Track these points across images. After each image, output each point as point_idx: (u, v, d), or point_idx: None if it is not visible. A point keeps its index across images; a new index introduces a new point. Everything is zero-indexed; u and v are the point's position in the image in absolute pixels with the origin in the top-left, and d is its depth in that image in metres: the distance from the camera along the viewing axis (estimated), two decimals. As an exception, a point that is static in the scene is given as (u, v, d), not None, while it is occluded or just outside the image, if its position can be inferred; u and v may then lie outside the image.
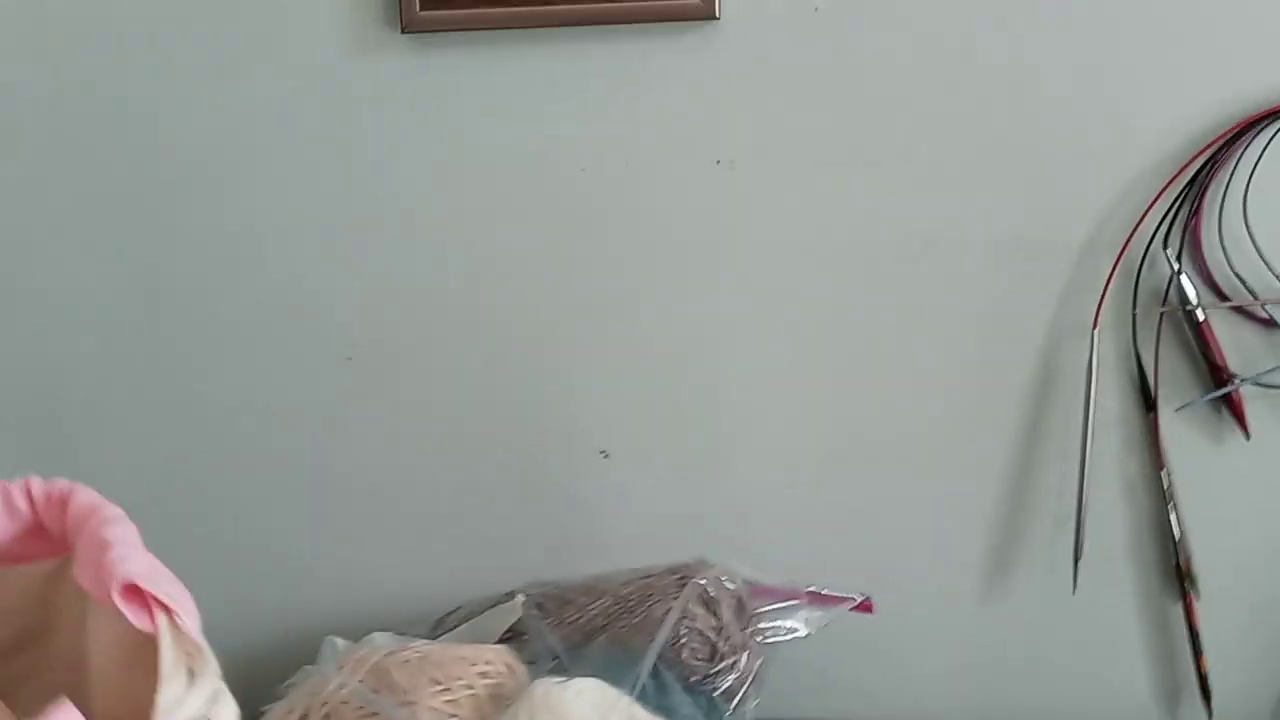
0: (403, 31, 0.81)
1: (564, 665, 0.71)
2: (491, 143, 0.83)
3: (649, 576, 0.76)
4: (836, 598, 0.79)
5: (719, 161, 0.83)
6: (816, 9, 0.79)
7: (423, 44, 0.82)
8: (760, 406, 0.86)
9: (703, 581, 0.73)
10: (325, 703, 0.63)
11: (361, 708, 0.62)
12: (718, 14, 0.80)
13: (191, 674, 0.42)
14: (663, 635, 0.71)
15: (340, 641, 0.74)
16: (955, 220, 0.82)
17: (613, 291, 0.85)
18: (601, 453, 0.88)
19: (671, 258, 0.84)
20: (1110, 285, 0.82)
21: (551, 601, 0.76)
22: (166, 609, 0.42)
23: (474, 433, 0.87)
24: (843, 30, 0.79)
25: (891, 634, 0.89)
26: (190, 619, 0.42)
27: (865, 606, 0.81)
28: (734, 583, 0.75)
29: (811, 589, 0.79)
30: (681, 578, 0.74)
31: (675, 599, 0.73)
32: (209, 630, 0.42)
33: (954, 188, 0.82)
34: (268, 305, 0.87)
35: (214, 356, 0.88)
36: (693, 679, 0.73)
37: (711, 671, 0.73)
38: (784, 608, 0.78)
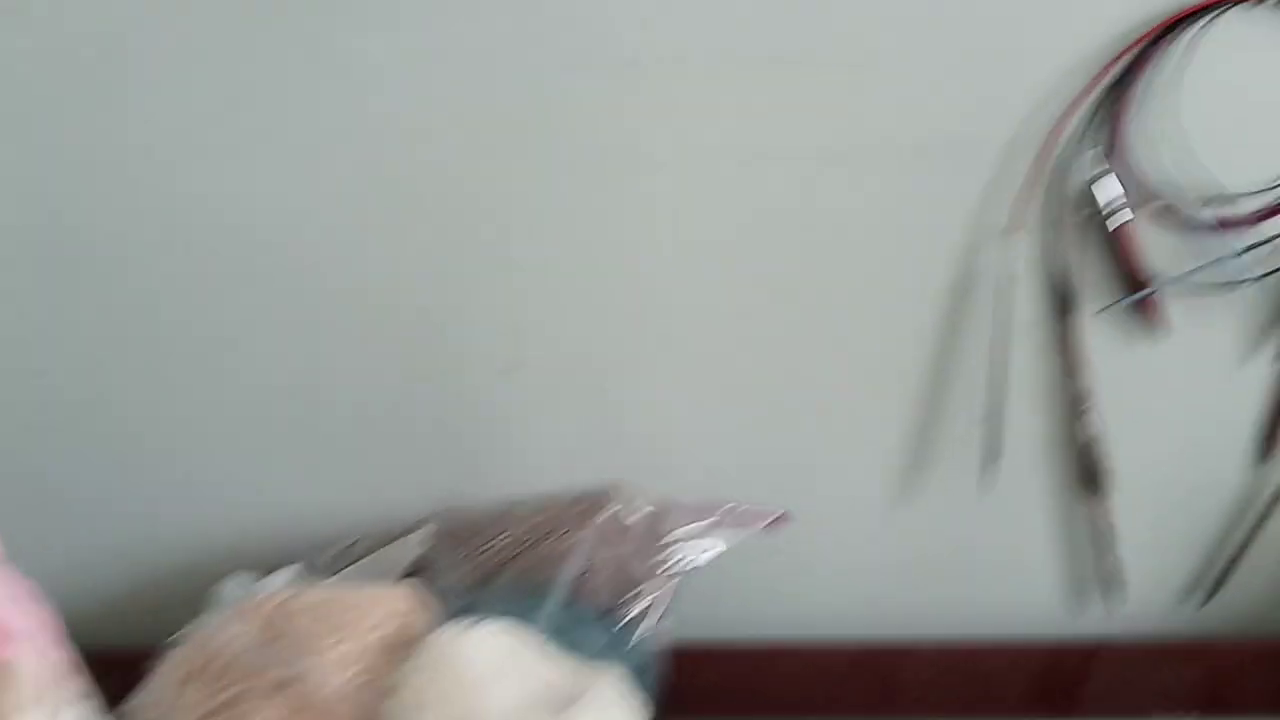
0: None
1: (472, 601, 0.69)
2: (373, 47, 0.77)
3: (558, 504, 0.74)
4: (752, 514, 0.78)
5: (625, 62, 0.77)
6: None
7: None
8: (673, 317, 0.84)
9: (613, 509, 0.71)
10: (217, 656, 0.61)
11: (256, 662, 0.60)
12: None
13: (49, 704, 0.39)
14: (572, 567, 0.69)
15: (236, 584, 0.72)
16: (877, 122, 0.79)
17: (517, 200, 0.81)
18: (509, 368, 0.85)
19: (579, 164, 0.80)
20: (1031, 188, 0.79)
21: (461, 531, 0.74)
22: (21, 638, 0.39)
23: (375, 350, 0.84)
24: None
25: (808, 539, 0.89)
26: (48, 644, 0.39)
27: (781, 519, 0.80)
28: (646, 506, 0.73)
29: (727, 506, 0.77)
30: (591, 505, 0.72)
31: (584, 529, 0.71)
32: (109, 568, 0.39)
33: (876, 89, 0.78)
34: (173, 223, 0.81)
35: (117, 277, 0.82)
36: (605, 608, 0.72)
37: (623, 599, 0.72)
38: (699, 527, 0.77)
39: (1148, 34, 0.76)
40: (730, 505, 0.78)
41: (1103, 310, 0.82)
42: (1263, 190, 0.80)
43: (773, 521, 0.80)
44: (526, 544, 0.73)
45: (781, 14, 0.76)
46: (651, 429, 0.86)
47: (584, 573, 0.72)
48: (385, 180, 0.81)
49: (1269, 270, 0.81)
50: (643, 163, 0.79)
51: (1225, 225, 0.80)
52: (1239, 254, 0.80)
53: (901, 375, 0.85)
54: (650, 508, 0.75)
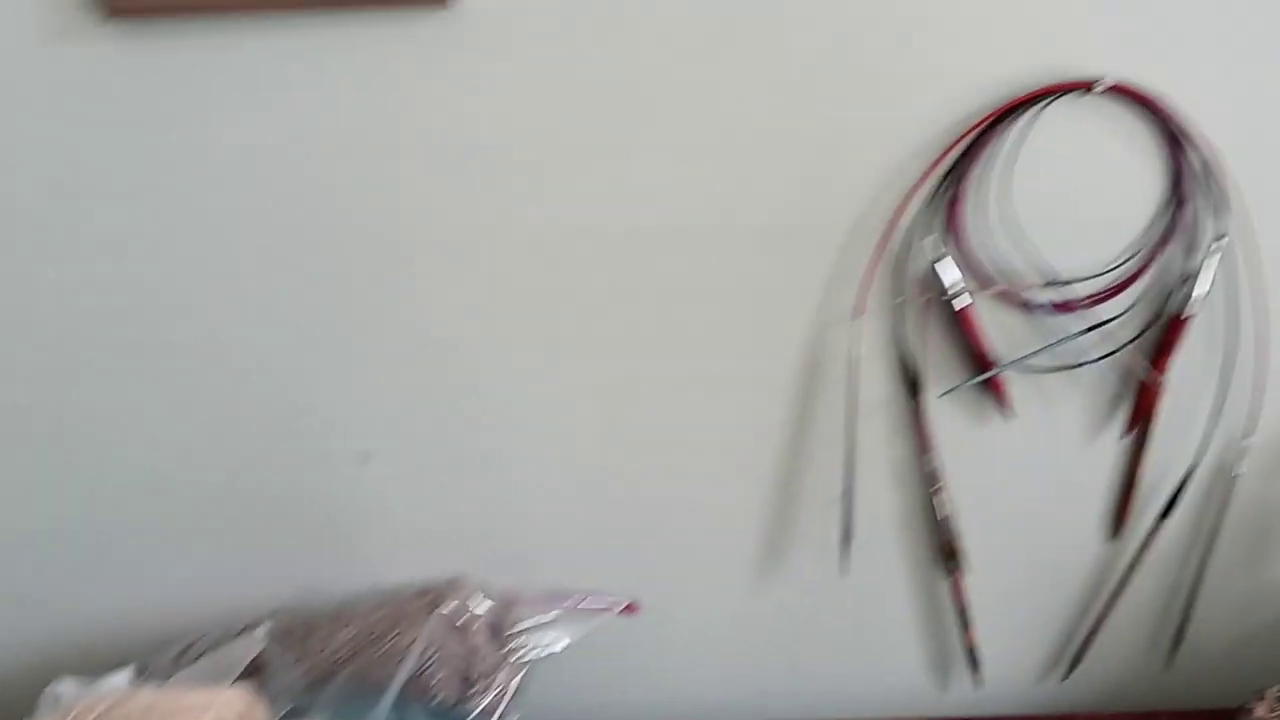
0: (107, 17, 0.73)
1: (307, 702, 0.67)
2: (218, 138, 0.77)
3: (399, 600, 0.72)
4: (601, 603, 0.77)
5: (467, 151, 0.77)
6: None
7: (131, 32, 0.74)
8: (525, 403, 0.83)
9: (451, 605, 0.70)
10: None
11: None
12: (455, 1, 0.73)
13: None
14: (407, 667, 0.68)
15: (66, 688, 0.70)
16: (719, 209, 0.79)
17: (366, 289, 0.80)
18: (360, 459, 0.84)
19: (426, 252, 0.80)
20: (873, 272, 0.80)
21: (297, 630, 0.73)
22: None
23: (221, 444, 0.83)
24: (592, 13, 0.74)
25: (668, 626, 0.89)
26: None
27: (631, 609, 0.80)
28: (488, 601, 0.72)
29: (574, 596, 0.77)
30: (431, 601, 0.71)
31: (425, 624, 0.70)
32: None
33: (716, 175, 0.78)
34: (15, 305, 0.80)
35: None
36: (450, 704, 0.71)
37: (465, 696, 0.71)
38: (546, 617, 0.76)
39: (982, 121, 0.77)
40: (578, 595, 0.77)
41: (947, 392, 0.83)
42: (1096, 274, 0.81)
43: (623, 610, 0.79)
44: (365, 641, 0.72)
45: (622, 100, 0.76)
46: (506, 519, 0.86)
47: (424, 669, 0.71)
48: (239, 269, 0.80)
49: (1107, 352, 0.82)
50: (486, 250, 0.79)
51: (1063, 308, 0.82)
52: (1078, 336, 0.81)
53: (757, 458, 0.85)
54: (491, 601, 0.73)
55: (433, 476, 0.84)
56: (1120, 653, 0.93)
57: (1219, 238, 0.80)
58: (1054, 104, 0.78)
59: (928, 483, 0.86)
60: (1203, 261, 0.81)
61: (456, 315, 0.81)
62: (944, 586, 0.89)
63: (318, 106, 0.76)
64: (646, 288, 0.80)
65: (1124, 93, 0.77)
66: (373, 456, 0.84)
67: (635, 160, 0.77)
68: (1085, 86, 0.77)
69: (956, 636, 0.90)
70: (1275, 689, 0.84)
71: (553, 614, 0.76)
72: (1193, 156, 0.79)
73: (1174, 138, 0.79)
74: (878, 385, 0.84)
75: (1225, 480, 0.87)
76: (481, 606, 0.73)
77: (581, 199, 0.78)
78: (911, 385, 0.83)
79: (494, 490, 0.85)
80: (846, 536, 0.85)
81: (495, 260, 0.80)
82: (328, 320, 0.81)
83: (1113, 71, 0.76)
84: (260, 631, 0.73)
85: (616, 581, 0.87)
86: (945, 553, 0.87)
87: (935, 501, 0.86)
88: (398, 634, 0.71)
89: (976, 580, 0.88)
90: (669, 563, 0.88)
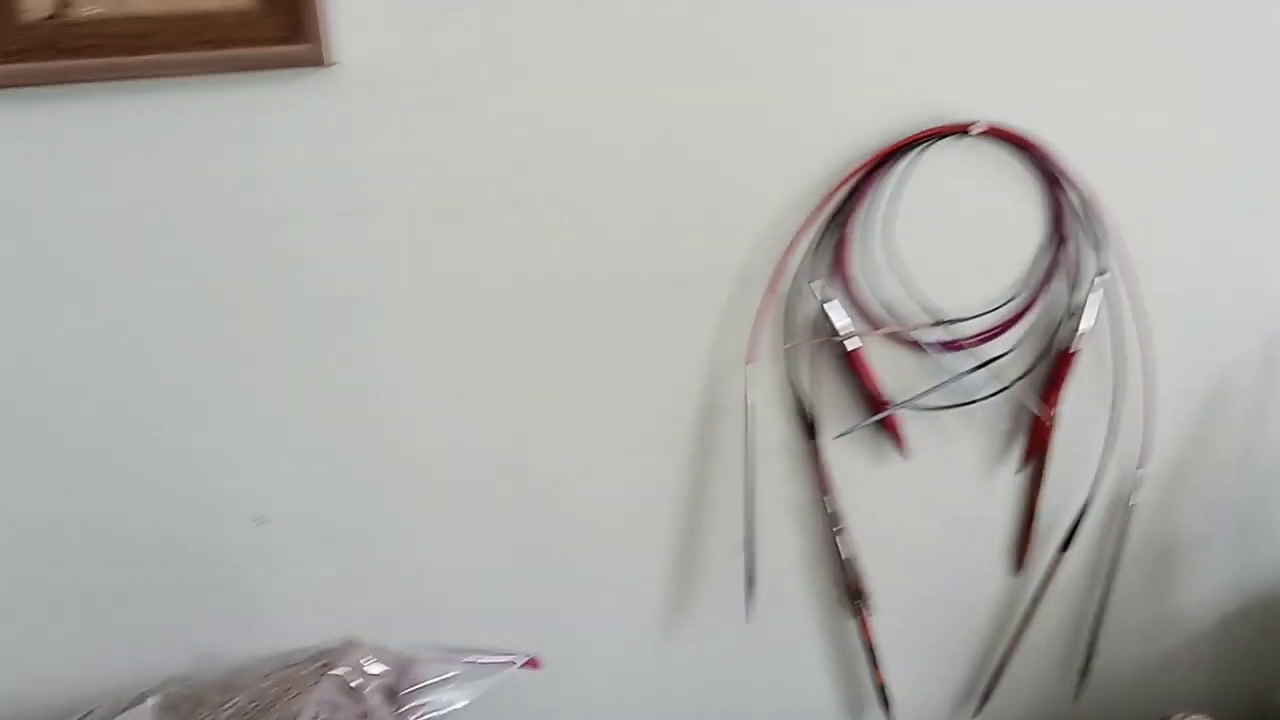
0: (-9, 88, 0.73)
1: (194, 776, 0.66)
2: (100, 203, 0.77)
3: (291, 666, 0.72)
4: (501, 660, 0.77)
5: (351, 210, 0.77)
6: (428, 30, 0.74)
7: (9, 99, 0.73)
8: (423, 460, 0.83)
9: (343, 668, 0.70)
10: None
11: None
12: (331, 60, 0.74)
13: None
14: (299, 733, 0.67)
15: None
16: (608, 260, 0.80)
17: (257, 351, 0.80)
18: (257, 521, 0.83)
19: (317, 312, 0.80)
20: (764, 317, 0.81)
21: (186, 702, 0.71)
22: None
23: (114, 509, 0.81)
24: (473, 69, 0.75)
25: (573, 679, 0.88)
26: None
27: (532, 664, 0.79)
28: (383, 663, 0.72)
29: (473, 654, 0.76)
30: (323, 665, 0.70)
31: (316, 690, 0.69)
32: None
33: (604, 227, 0.79)
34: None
35: None
36: (343, 769, 0.70)
37: (361, 760, 0.70)
38: (444, 677, 0.75)
39: (862, 166, 0.78)
40: (478, 651, 0.77)
41: (844, 434, 0.83)
42: (983, 312, 0.82)
43: (524, 664, 0.79)
44: (256, 709, 0.71)
45: (505, 154, 0.77)
46: (406, 577, 0.85)
47: (316, 736, 0.70)
48: (128, 334, 0.80)
49: (999, 389, 0.83)
50: (377, 308, 0.79)
51: (953, 347, 0.82)
52: (968, 374, 0.82)
53: (658, 506, 0.86)
54: (389, 662, 0.73)
55: (331, 536, 0.84)
56: (1030, 685, 0.93)
57: (1100, 273, 0.82)
58: (933, 147, 0.79)
59: (830, 524, 0.86)
60: (1086, 297, 0.82)
61: (351, 374, 0.81)
62: (852, 626, 0.89)
63: (201, 168, 0.76)
64: (540, 340, 0.81)
65: (1000, 135, 0.78)
66: (269, 519, 0.83)
67: (521, 214, 0.78)
68: (961, 129, 0.78)
69: (867, 676, 0.90)
70: (1180, 715, 0.84)
71: (452, 672, 0.75)
72: (1071, 195, 0.80)
73: (1052, 177, 0.80)
74: (775, 429, 0.84)
75: (1122, 511, 0.88)
76: (376, 667, 0.72)
77: (469, 254, 0.78)
78: (808, 428, 0.84)
79: (393, 548, 0.84)
80: (750, 582, 0.85)
81: (387, 318, 0.80)
82: (221, 382, 0.80)
83: (988, 115, 0.77)
84: (149, 704, 0.72)
85: (520, 636, 0.86)
86: (851, 593, 0.88)
87: (838, 542, 0.86)
88: (288, 700, 0.70)
89: (884, 619, 0.88)
90: (573, 615, 0.87)
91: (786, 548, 0.88)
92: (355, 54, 0.75)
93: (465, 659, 0.76)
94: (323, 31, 0.74)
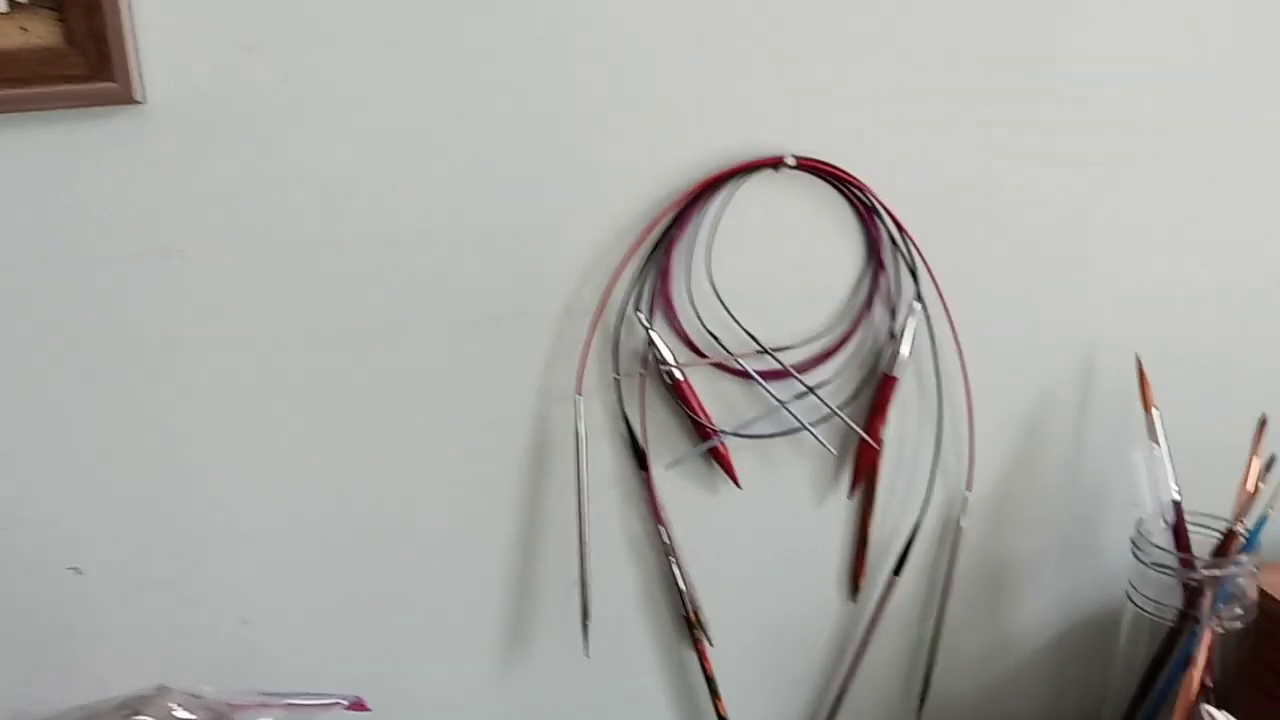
0: None
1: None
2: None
3: (96, 716, 0.69)
4: (321, 704, 0.75)
5: (169, 250, 0.76)
6: (238, 67, 0.74)
7: None
8: (243, 503, 0.81)
9: (149, 718, 0.67)
10: None
11: None
12: (141, 98, 0.73)
13: None
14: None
15: None
16: (430, 298, 0.79)
17: (66, 397, 0.77)
18: (72, 569, 0.80)
19: (130, 356, 0.78)
20: (590, 350, 0.81)
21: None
22: None
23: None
24: (288, 107, 0.75)
25: (410, 718, 0.86)
26: None
27: (358, 706, 0.78)
28: (194, 710, 0.70)
29: (291, 699, 0.74)
30: (130, 714, 0.68)
31: (124, 739, 0.67)
32: None
33: (425, 266, 0.79)
34: None
35: None
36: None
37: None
38: (265, 722, 0.73)
39: (682, 198, 0.80)
40: (297, 696, 0.75)
41: (673, 465, 0.84)
42: (806, 341, 0.84)
43: (349, 707, 0.77)
44: (59, 763, 0.68)
45: (321, 194, 0.77)
46: (229, 621, 0.83)
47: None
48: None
49: (824, 415, 0.84)
50: (192, 352, 0.78)
51: (777, 376, 0.84)
52: (792, 402, 0.83)
53: (490, 543, 0.85)
54: (192, 713, 0.71)
55: (149, 584, 0.82)
56: (871, 711, 0.94)
57: (916, 299, 0.84)
58: (749, 180, 0.80)
59: (664, 555, 0.86)
60: (904, 323, 0.84)
61: (169, 418, 0.79)
62: (691, 658, 0.89)
63: (8, 209, 0.75)
64: (362, 382, 0.80)
65: (813, 168, 0.80)
66: (84, 569, 0.80)
67: (339, 254, 0.78)
68: (775, 163, 0.80)
69: (709, 708, 0.90)
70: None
71: (270, 717, 0.73)
72: (884, 226, 0.82)
73: (865, 209, 0.82)
74: (607, 461, 0.85)
75: (952, 533, 0.90)
76: (185, 714, 0.70)
77: (288, 295, 0.78)
78: (640, 459, 0.84)
79: (215, 595, 0.83)
80: (586, 616, 0.85)
81: (205, 361, 0.79)
82: (34, 427, 0.78)
83: (802, 148, 0.79)
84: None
85: (351, 680, 0.85)
86: (689, 624, 0.88)
87: (674, 573, 0.86)
88: (94, 751, 0.68)
89: (723, 650, 0.89)
90: (404, 656, 0.86)
91: (622, 581, 0.88)
92: (165, 91, 0.74)
93: (285, 702, 0.75)
94: (130, 68, 0.73)
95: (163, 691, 0.72)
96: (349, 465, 0.82)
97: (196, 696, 0.72)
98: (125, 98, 0.74)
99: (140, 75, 0.74)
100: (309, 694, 0.77)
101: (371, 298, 0.79)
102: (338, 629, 0.85)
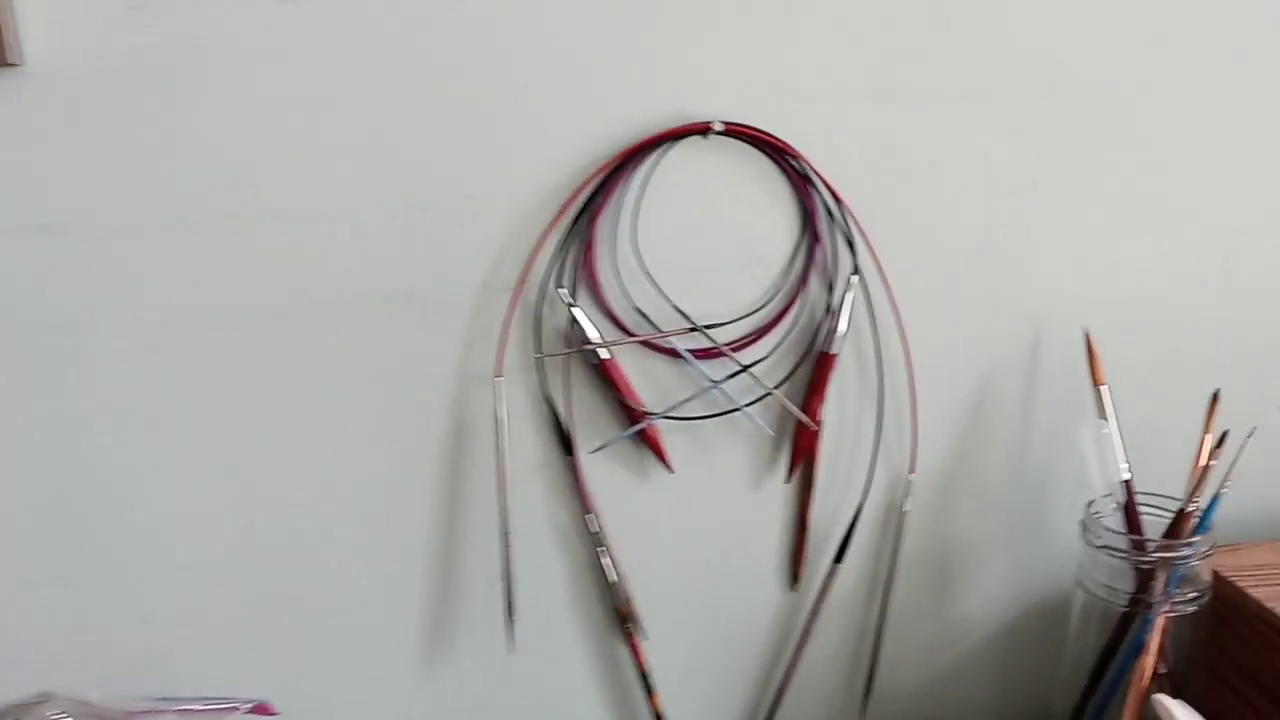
0: None
1: None
2: None
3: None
4: (219, 709, 0.70)
5: (51, 226, 0.70)
6: (125, 28, 0.68)
7: None
8: (142, 497, 0.76)
9: (33, 725, 0.62)
10: None
11: None
12: (17, 59, 0.67)
13: None
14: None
15: None
16: (337, 275, 0.74)
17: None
18: (-46, 568, 0.74)
19: (15, 339, 0.72)
20: (510, 328, 0.76)
21: None
22: None
23: None
24: (183, 72, 0.70)
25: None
26: None
27: (262, 710, 0.72)
28: (79, 717, 0.64)
29: (187, 705, 0.69)
30: (11, 722, 0.63)
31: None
32: None
33: (331, 241, 0.74)
34: None
35: None
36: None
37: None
38: (160, 729, 0.68)
39: (605, 166, 0.75)
40: (194, 701, 0.70)
41: (599, 449, 0.79)
42: (740, 317, 0.79)
43: (250, 711, 0.72)
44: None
45: (217, 164, 0.72)
46: (128, 623, 0.78)
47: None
48: None
49: (759, 395, 0.80)
50: (84, 335, 0.73)
51: (709, 354, 0.79)
52: (725, 381, 0.78)
53: (408, 536, 0.81)
54: (87, 716, 0.65)
55: (34, 585, 0.76)
56: (814, 705, 0.90)
57: (854, 273, 0.79)
58: (676, 147, 0.76)
59: (593, 545, 0.81)
60: (842, 297, 0.79)
61: (52, 406, 0.74)
62: (624, 653, 0.85)
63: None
64: (263, 367, 0.75)
65: (743, 134, 0.76)
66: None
67: (235, 229, 0.72)
68: (703, 129, 0.75)
69: (643, 705, 0.85)
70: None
71: (165, 724, 0.68)
72: (818, 195, 0.78)
73: (800, 178, 0.78)
74: (529, 447, 0.80)
75: (896, 518, 0.86)
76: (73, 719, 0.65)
77: (182, 274, 0.73)
78: (565, 444, 0.79)
79: (106, 596, 0.77)
80: (510, 610, 0.80)
81: (92, 345, 0.74)
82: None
83: (732, 115, 0.75)
84: None
85: (261, 685, 0.79)
86: (620, 617, 0.83)
87: (603, 564, 0.81)
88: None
89: (657, 644, 0.84)
90: (318, 657, 0.81)
91: (550, 573, 0.83)
92: (43, 51, 0.69)
93: (180, 708, 0.69)
94: (3, 26, 0.67)
95: (45, 698, 0.66)
96: (253, 454, 0.77)
97: (84, 703, 0.66)
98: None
99: (16, 34, 0.68)
100: (209, 699, 0.71)
101: (274, 275, 0.73)
102: (246, 630, 0.79)
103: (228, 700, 0.73)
